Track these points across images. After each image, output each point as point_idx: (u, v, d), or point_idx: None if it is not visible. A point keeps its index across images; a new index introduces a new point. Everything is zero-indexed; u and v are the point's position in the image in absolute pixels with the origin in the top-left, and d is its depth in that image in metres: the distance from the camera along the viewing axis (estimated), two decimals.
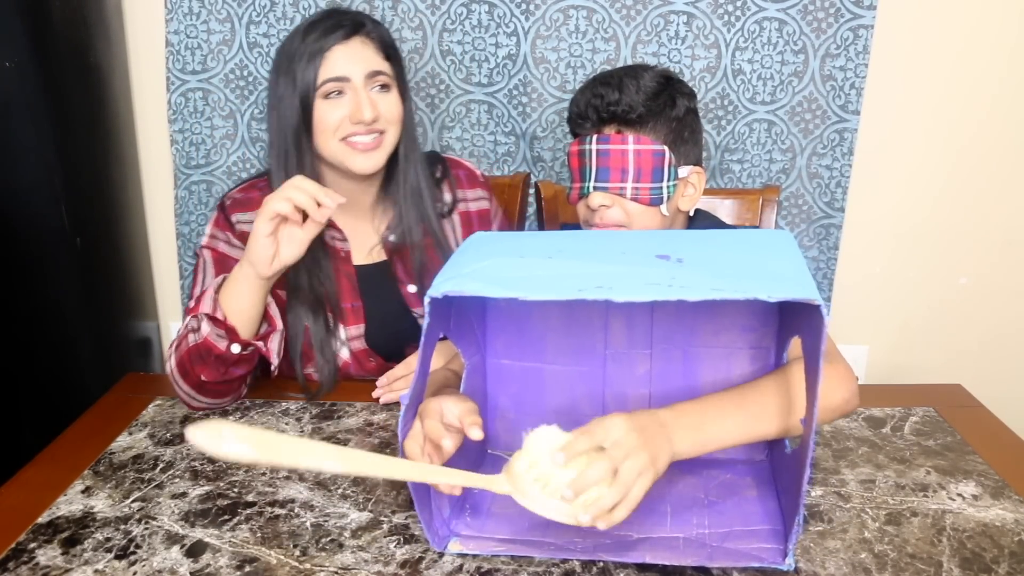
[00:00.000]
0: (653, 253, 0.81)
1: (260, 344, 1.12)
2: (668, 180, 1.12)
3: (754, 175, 1.74)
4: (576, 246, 0.86)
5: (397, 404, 1.15)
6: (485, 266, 0.80)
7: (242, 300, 1.10)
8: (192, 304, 1.13)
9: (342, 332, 1.24)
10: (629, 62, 1.67)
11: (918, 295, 1.90)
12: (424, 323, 0.77)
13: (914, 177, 1.82)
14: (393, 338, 1.27)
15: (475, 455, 0.95)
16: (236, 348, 1.10)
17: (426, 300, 0.76)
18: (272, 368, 1.16)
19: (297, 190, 1.06)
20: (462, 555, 0.83)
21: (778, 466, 0.94)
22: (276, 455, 0.72)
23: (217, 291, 1.11)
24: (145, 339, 1.85)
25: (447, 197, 1.33)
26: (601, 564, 0.82)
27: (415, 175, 1.26)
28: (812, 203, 1.75)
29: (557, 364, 0.99)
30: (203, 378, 1.10)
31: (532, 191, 1.64)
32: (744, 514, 0.89)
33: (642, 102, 1.10)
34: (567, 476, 0.75)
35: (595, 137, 1.12)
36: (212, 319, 1.09)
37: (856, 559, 0.83)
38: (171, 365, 1.12)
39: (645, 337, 0.97)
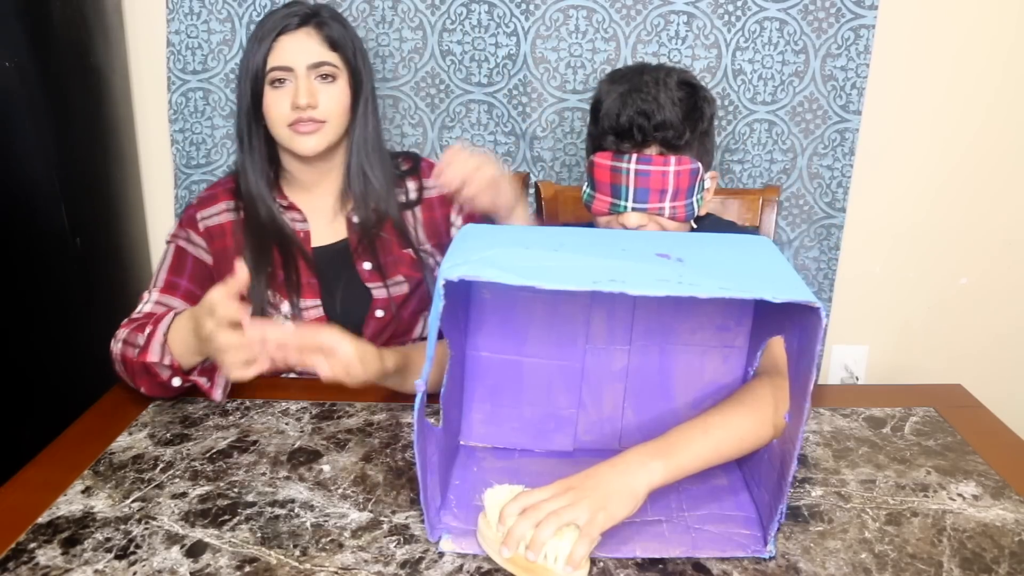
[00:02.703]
0: (652, 252, 0.83)
1: (201, 381, 1.13)
2: (698, 193, 1.13)
3: (755, 175, 1.74)
4: (577, 241, 0.88)
5: (398, 402, 1.15)
6: (493, 254, 0.81)
7: (189, 344, 1.09)
8: (146, 298, 1.23)
9: (299, 302, 1.29)
10: (629, 62, 1.66)
11: (918, 295, 1.90)
12: (438, 306, 0.77)
13: (915, 177, 1.82)
14: (350, 311, 1.31)
15: (449, 446, 0.96)
16: (177, 382, 1.13)
17: (440, 283, 0.76)
18: (217, 398, 1.15)
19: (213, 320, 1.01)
20: (462, 555, 0.83)
21: (746, 460, 0.96)
22: None
23: (166, 334, 1.11)
24: None
25: (411, 185, 1.37)
26: (601, 564, 0.82)
27: (366, 153, 1.31)
28: (813, 203, 1.75)
29: (537, 357, 1.00)
30: (143, 390, 1.14)
31: (532, 191, 1.64)
32: (718, 501, 0.92)
33: (681, 121, 1.09)
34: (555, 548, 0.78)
35: (635, 157, 1.10)
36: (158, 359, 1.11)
37: (856, 559, 0.83)
38: (115, 356, 1.16)
39: (625, 333, 0.98)
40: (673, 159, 1.10)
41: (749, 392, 0.92)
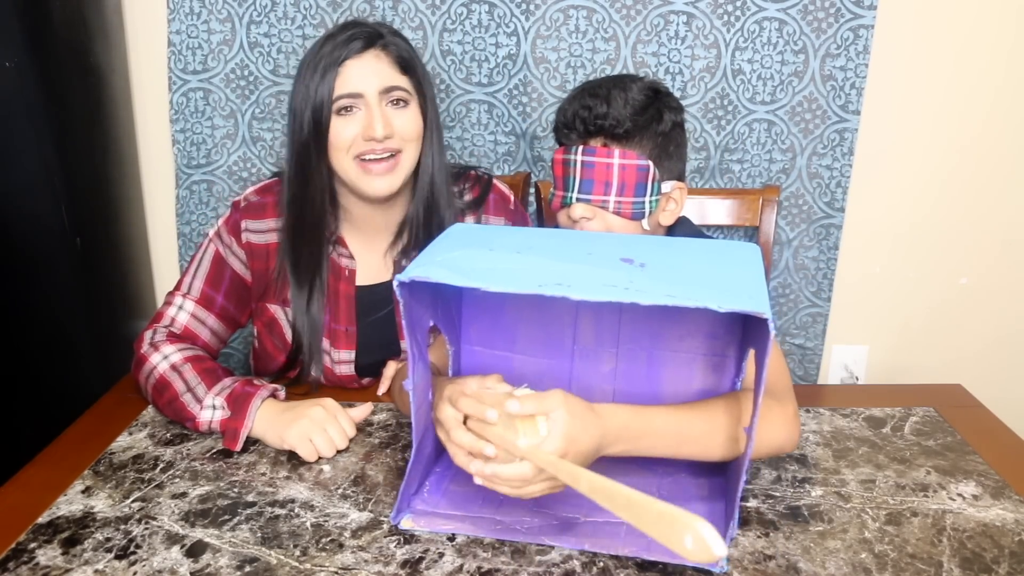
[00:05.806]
0: (618, 256, 0.83)
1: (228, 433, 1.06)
2: (651, 195, 1.10)
3: (754, 175, 1.74)
4: (545, 243, 0.88)
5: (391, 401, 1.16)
6: (455, 256, 0.82)
7: (279, 435, 1.05)
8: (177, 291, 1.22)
9: (333, 353, 1.24)
10: (629, 62, 1.67)
11: (918, 295, 1.90)
12: (401, 307, 0.80)
13: (914, 177, 1.82)
14: (380, 365, 1.24)
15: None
16: (204, 428, 1.08)
17: (395, 284, 0.78)
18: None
19: (322, 435, 1.03)
20: (462, 555, 0.83)
21: (730, 471, 0.95)
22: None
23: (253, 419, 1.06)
24: None
25: (470, 220, 1.27)
26: (601, 564, 0.82)
27: (431, 192, 1.21)
28: (812, 203, 1.75)
29: (526, 355, 1.01)
30: (158, 404, 1.13)
31: (532, 191, 1.64)
32: (690, 508, 0.90)
33: (629, 116, 1.08)
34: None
35: (581, 148, 1.10)
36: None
37: (856, 559, 0.83)
38: (146, 371, 1.15)
39: (612, 336, 0.99)
40: (617, 151, 1.08)
41: (735, 403, 0.91)
